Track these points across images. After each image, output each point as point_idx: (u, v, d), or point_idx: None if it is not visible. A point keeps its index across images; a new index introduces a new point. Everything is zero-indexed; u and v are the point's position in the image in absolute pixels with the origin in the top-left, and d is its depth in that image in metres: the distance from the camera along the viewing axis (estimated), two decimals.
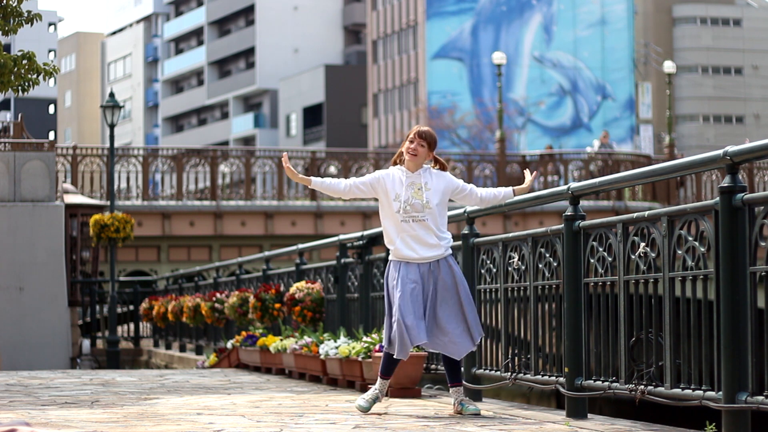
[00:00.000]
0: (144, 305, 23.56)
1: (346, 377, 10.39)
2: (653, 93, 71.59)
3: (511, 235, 8.41)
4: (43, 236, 23.90)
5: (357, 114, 76.12)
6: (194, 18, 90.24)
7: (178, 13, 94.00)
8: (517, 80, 67.79)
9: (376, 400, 7.84)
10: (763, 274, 5.84)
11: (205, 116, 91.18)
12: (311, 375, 11.54)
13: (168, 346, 24.01)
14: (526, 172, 8.10)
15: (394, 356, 7.67)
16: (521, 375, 8.14)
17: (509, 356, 8.35)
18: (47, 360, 22.93)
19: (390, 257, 7.83)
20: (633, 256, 6.80)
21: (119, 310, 26.90)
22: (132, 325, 27.06)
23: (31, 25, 14.32)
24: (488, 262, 8.71)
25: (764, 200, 5.86)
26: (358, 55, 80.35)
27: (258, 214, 33.88)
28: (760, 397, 5.81)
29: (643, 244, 6.68)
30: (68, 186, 28.25)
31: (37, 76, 14.07)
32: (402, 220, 7.71)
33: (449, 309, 7.65)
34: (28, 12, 14.28)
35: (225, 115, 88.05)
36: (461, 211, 9.09)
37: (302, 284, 12.52)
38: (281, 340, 12.56)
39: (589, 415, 7.37)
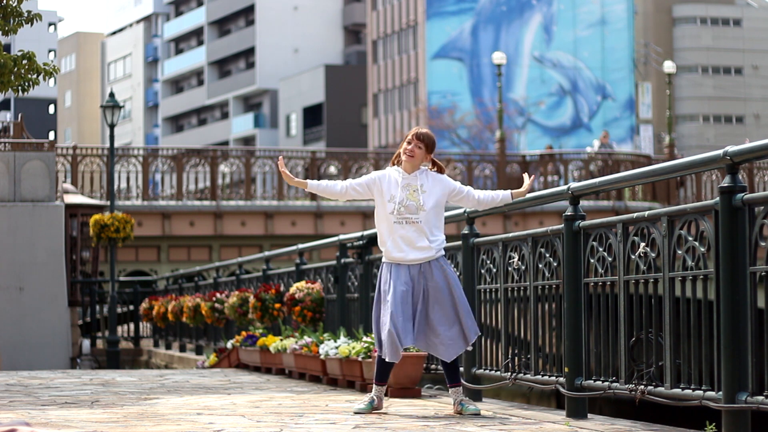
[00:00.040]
0: (144, 305, 23.56)
1: (346, 377, 10.39)
2: (653, 93, 71.59)
3: (511, 235, 8.41)
4: (43, 236, 23.90)
5: (357, 114, 76.12)
6: (194, 18, 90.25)
7: (178, 13, 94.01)
8: (517, 80, 67.79)
9: (372, 403, 7.82)
10: (763, 274, 5.84)
11: (205, 116, 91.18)
12: (311, 375, 11.54)
13: (168, 346, 24.01)
14: (525, 176, 8.09)
15: (386, 359, 7.66)
16: (521, 375, 8.14)
17: (509, 356, 8.35)
18: (47, 360, 22.93)
19: (383, 258, 7.84)
20: (633, 256, 6.80)
21: (119, 310, 26.89)
22: (132, 325, 27.06)
23: (31, 25, 14.32)
24: (488, 262, 8.71)
25: (764, 200, 5.86)
26: (358, 55, 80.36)
27: (258, 214, 33.88)
28: (760, 397, 5.81)
29: (643, 244, 6.68)
30: (68, 186, 28.25)
31: (37, 76, 14.07)
32: (395, 221, 7.70)
33: (441, 311, 7.63)
34: (28, 12, 14.28)
35: (225, 115, 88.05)
36: (461, 211, 9.09)
37: (302, 284, 12.52)
38: (281, 340, 12.56)
39: (589, 415, 7.37)
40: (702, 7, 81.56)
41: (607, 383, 7.01)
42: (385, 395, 8.80)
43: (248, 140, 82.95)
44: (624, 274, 6.91)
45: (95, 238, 25.43)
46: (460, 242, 9.08)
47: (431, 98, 66.47)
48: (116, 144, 30.24)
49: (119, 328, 26.70)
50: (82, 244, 25.99)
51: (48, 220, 23.97)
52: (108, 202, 27.37)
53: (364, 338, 9.99)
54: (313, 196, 34.00)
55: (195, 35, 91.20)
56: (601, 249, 7.17)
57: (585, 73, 69.14)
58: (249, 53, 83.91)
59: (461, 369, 8.98)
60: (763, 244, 5.87)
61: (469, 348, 7.85)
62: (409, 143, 7.79)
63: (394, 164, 7.90)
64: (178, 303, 20.49)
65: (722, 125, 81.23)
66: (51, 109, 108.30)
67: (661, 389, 6.48)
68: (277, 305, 13.49)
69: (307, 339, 11.58)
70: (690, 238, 6.31)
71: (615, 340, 7.02)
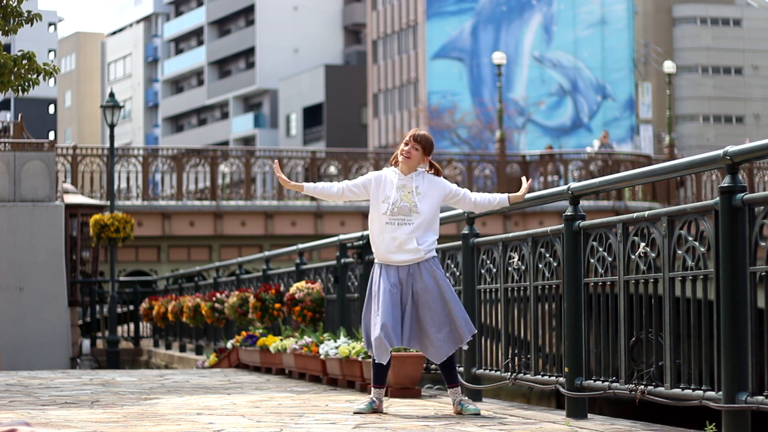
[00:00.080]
0: (144, 305, 23.56)
1: (346, 377, 10.39)
2: (653, 93, 71.59)
3: (511, 235, 8.41)
4: (43, 236, 23.90)
5: (357, 114, 76.12)
6: (194, 18, 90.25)
7: (178, 13, 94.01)
8: (517, 80, 67.79)
9: (372, 404, 7.81)
10: (763, 274, 5.84)
11: (205, 116, 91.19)
12: (311, 375, 11.54)
13: (168, 346, 24.01)
14: (523, 179, 8.09)
15: (375, 360, 7.67)
16: (521, 375, 8.14)
17: (509, 356, 8.35)
18: (47, 360, 22.93)
19: (374, 258, 7.86)
20: (633, 256, 6.80)
21: (119, 310, 26.89)
22: (132, 325, 27.06)
23: (31, 25, 14.32)
24: (488, 262, 8.71)
25: (764, 200, 5.86)
26: (358, 55, 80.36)
27: (258, 214, 33.89)
28: (760, 397, 5.81)
29: (643, 244, 6.68)
30: (68, 186, 28.25)
31: (37, 76, 14.07)
32: (387, 222, 7.70)
33: (431, 313, 7.62)
34: (28, 12, 14.28)
35: (225, 115, 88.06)
36: (461, 211, 9.09)
37: (302, 284, 12.52)
38: (281, 340, 12.56)
39: (589, 415, 7.37)
40: (702, 7, 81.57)
41: (607, 383, 7.01)
42: (385, 395, 8.80)
43: (248, 140, 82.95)
44: (624, 274, 6.90)
45: (95, 238, 25.43)
46: (460, 242, 9.08)
47: (431, 98, 66.48)
48: (116, 144, 30.24)
49: (119, 328, 26.69)
50: (82, 244, 25.99)
51: (48, 220, 23.97)
52: (108, 202, 27.37)
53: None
54: (313, 197, 33.98)
55: (195, 35, 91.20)
56: (601, 249, 7.17)
57: (585, 73, 69.15)
58: (249, 53, 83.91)
59: (461, 369, 8.99)
60: (763, 244, 5.87)
61: (465, 347, 7.85)
62: (406, 144, 7.79)
63: (392, 165, 7.91)
64: (178, 303, 20.49)
65: (722, 125, 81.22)
66: (51, 109, 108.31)
67: (661, 389, 6.48)
68: (277, 305, 13.50)
69: (307, 339, 11.58)
70: (690, 238, 6.31)
71: (615, 340, 7.02)
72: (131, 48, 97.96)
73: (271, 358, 13.03)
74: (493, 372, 8.62)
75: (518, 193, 7.95)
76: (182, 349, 22.55)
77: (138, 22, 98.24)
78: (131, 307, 27.14)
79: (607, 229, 7.13)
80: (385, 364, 7.71)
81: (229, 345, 15.49)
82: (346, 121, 75.80)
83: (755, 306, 5.92)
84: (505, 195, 7.98)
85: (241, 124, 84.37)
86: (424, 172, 7.83)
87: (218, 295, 17.53)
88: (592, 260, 7.27)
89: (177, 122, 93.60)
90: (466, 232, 9.02)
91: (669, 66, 43.51)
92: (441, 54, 67.41)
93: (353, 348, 9.99)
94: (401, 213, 7.68)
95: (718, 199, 6.05)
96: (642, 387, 6.60)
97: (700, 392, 6.17)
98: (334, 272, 12.29)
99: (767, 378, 5.99)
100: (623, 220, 6.94)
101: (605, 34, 69.35)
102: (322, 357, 10.81)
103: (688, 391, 6.27)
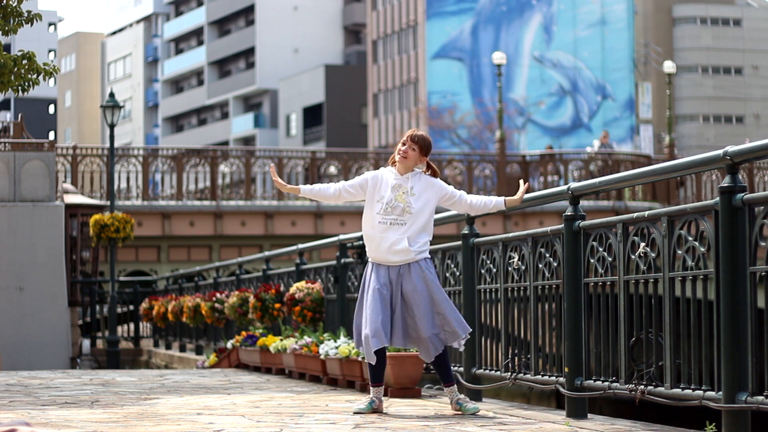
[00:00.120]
0: (144, 305, 23.56)
1: (346, 377, 10.39)
2: (653, 93, 71.59)
3: (511, 235, 8.41)
4: (43, 236, 23.90)
5: (357, 114, 76.12)
6: (194, 18, 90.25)
7: (178, 13, 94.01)
8: (517, 80, 67.79)
9: (372, 404, 7.81)
10: (763, 274, 5.84)
11: (205, 116, 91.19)
12: (311, 375, 11.54)
13: (168, 346, 24.01)
14: (521, 182, 8.08)
15: (365, 359, 7.69)
16: (521, 375, 8.14)
17: (509, 356, 8.35)
18: (47, 360, 22.93)
19: (368, 257, 7.88)
20: (633, 256, 6.80)
21: (119, 310, 26.89)
22: (132, 325, 27.06)
23: (31, 25, 14.32)
24: (488, 262, 8.71)
25: (764, 200, 5.86)
26: (358, 55, 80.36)
27: (258, 214, 33.88)
28: (760, 397, 5.81)
29: (643, 244, 6.68)
30: (68, 186, 28.25)
31: (37, 76, 14.07)
32: (380, 221, 7.71)
33: (419, 313, 7.62)
34: (28, 12, 14.28)
35: (225, 115, 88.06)
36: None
37: (302, 284, 12.52)
38: (281, 340, 12.56)
39: (589, 415, 7.37)
40: (702, 7, 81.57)
41: (607, 383, 7.01)
42: (385, 395, 8.80)
43: (248, 140, 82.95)
44: (624, 274, 6.90)
45: (95, 238, 25.43)
46: (460, 242, 9.08)
47: (431, 98, 66.48)
48: (116, 144, 30.24)
49: (119, 328, 26.69)
50: (82, 244, 25.99)
51: (48, 220, 23.97)
52: (108, 202, 27.37)
53: None
54: None
55: (195, 35, 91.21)
56: (601, 249, 7.17)
57: (585, 73, 69.15)
58: (249, 53, 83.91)
59: (462, 369, 8.99)
60: (763, 244, 5.87)
61: (461, 348, 7.86)
62: (403, 144, 7.81)
63: (390, 165, 7.91)
64: (178, 303, 20.49)
65: (722, 125, 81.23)
66: (51, 109, 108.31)
67: (661, 389, 6.48)
68: (277, 305, 13.49)
69: (307, 339, 11.58)
70: (690, 238, 6.31)
71: (615, 340, 7.02)
72: (131, 48, 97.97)
73: (271, 358, 13.03)
74: (493, 372, 8.62)
75: (514, 197, 7.93)
76: (182, 349, 22.55)
77: (138, 22, 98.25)
78: (131, 307, 27.14)
79: (607, 229, 7.13)
80: (374, 363, 7.72)
81: (229, 345, 15.49)
82: (346, 121, 75.80)
83: (755, 306, 5.92)
84: (501, 198, 7.97)
85: (241, 124, 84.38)
86: (420, 172, 7.82)
87: (218, 295, 17.53)
88: (592, 260, 7.27)
89: (177, 122, 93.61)
90: (466, 232, 9.02)
91: (669, 66, 43.51)
92: (441, 54, 67.41)
93: (353, 348, 10.00)
94: (394, 213, 7.68)
95: (718, 199, 6.05)
96: (642, 387, 6.60)
97: (700, 392, 6.17)
98: (334, 272, 12.29)
99: (767, 378, 5.99)
100: (623, 220, 6.94)
101: (605, 34, 69.36)
102: (322, 357, 10.81)
103: (688, 391, 6.27)
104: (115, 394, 10.11)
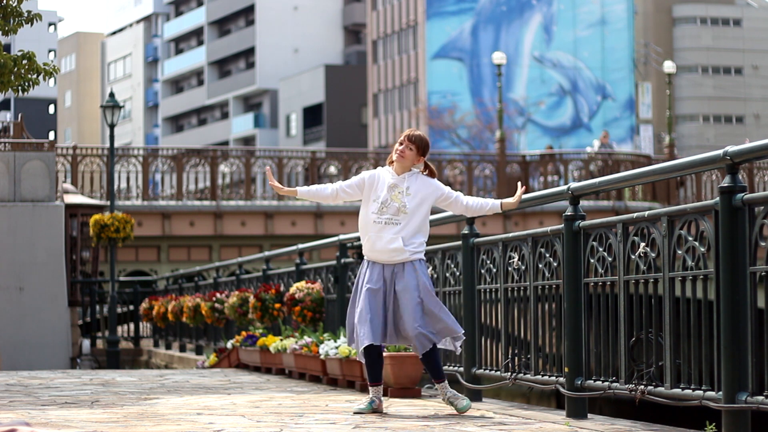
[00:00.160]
0: (144, 305, 23.56)
1: (346, 377, 10.39)
2: (653, 93, 71.59)
3: (511, 235, 8.41)
4: (43, 236, 23.90)
5: (357, 114, 76.12)
6: (194, 18, 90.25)
7: (178, 13, 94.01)
8: (517, 80, 67.79)
9: (372, 403, 7.81)
10: (763, 274, 5.84)
11: (205, 116, 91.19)
12: (311, 375, 11.54)
13: (168, 346, 24.01)
14: (519, 184, 8.08)
15: (357, 358, 7.70)
16: (521, 375, 8.14)
17: (509, 356, 8.35)
18: (47, 360, 22.93)
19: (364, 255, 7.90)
20: (633, 256, 6.80)
21: (119, 310, 26.89)
22: (132, 325, 27.06)
23: (31, 25, 14.32)
24: (488, 262, 8.71)
25: (764, 200, 5.86)
26: (358, 55, 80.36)
27: (258, 214, 33.88)
28: (760, 397, 5.81)
29: (643, 244, 6.68)
30: (68, 186, 28.25)
31: (37, 76, 14.07)
32: (375, 220, 7.72)
33: (407, 311, 7.63)
34: (28, 12, 14.28)
35: (225, 115, 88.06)
36: None
37: (302, 284, 12.52)
38: (281, 340, 12.56)
39: (589, 415, 7.37)
40: (702, 7, 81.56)
41: (607, 383, 7.01)
42: (385, 395, 8.80)
43: (248, 140, 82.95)
44: (624, 274, 6.90)
45: (95, 238, 25.43)
46: (460, 242, 9.08)
47: (431, 98, 66.48)
48: (116, 144, 30.24)
49: (119, 328, 26.69)
50: (82, 244, 25.98)
51: (48, 220, 23.97)
52: (108, 202, 27.37)
53: None
54: None
55: (195, 35, 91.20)
56: (601, 249, 7.17)
57: (585, 73, 69.14)
58: (249, 53, 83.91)
59: (462, 369, 8.99)
60: (763, 244, 5.87)
61: (458, 350, 7.87)
62: (400, 144, 7.82)
63: (388, 165, 7.92)
64: (178, 303, 20.49)
65: (722, 125, 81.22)
66: (51, 109, 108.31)
67: (661, 389, 6.48)
68: (277, 305, 13.49)
69: (307, 339, 11.58)
70: (690, 238, 6.31)
71: (615, 340, 7.02)
72: (131, 48, 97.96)
73: (271, 358, 13.03)
74: (493, 372, 8.62)
75: (511, 200, 7.93)
76: (182, 349, 22.55)
77: (138, 22, 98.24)
78: (131, 307, 27.14)
79: (607, 229, 7.13)
80: (364, 360, 7.74)
81: (229, 345, 15.49)
82: (346, 121, 75.80)
83: (755, 306, 5.92)
84: (498, 201, 7.96)
85: (241, 124, 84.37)
86: (417, 172, 7.83)
87: (218, 295, 17.53)
88: (592, 260, 7.27)
89: (177, 122, 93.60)
90: (466, 232, 9.01)
91: (669, 66, 43.51)
92: (441, 54, 67.41)
93: (353, 348, 9.99)
94: (390, 212, 7.69)
95: (718, 199, 6.05)
96: (642, 387, 6.60)
97: (700, 392, 6.17)
98: (334, 272, 12.29)
99: (767, 378, 5.99)
100: (623, 220, 6.94)
101: (605, 34, 69.35)
102: (322, 357, 10.81)
103: (688, 391, 6.27)
104: (115, 394, 10.11)
